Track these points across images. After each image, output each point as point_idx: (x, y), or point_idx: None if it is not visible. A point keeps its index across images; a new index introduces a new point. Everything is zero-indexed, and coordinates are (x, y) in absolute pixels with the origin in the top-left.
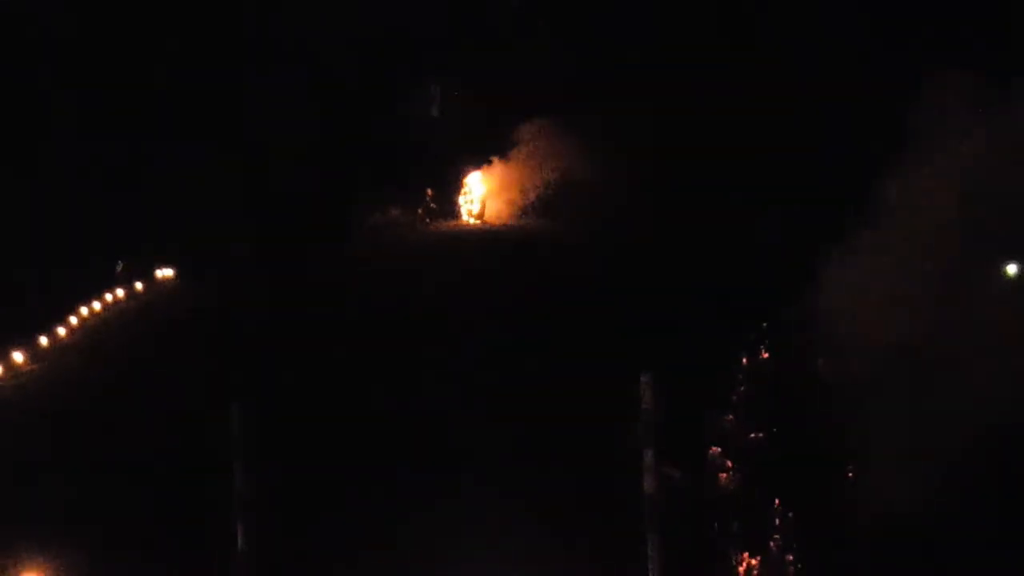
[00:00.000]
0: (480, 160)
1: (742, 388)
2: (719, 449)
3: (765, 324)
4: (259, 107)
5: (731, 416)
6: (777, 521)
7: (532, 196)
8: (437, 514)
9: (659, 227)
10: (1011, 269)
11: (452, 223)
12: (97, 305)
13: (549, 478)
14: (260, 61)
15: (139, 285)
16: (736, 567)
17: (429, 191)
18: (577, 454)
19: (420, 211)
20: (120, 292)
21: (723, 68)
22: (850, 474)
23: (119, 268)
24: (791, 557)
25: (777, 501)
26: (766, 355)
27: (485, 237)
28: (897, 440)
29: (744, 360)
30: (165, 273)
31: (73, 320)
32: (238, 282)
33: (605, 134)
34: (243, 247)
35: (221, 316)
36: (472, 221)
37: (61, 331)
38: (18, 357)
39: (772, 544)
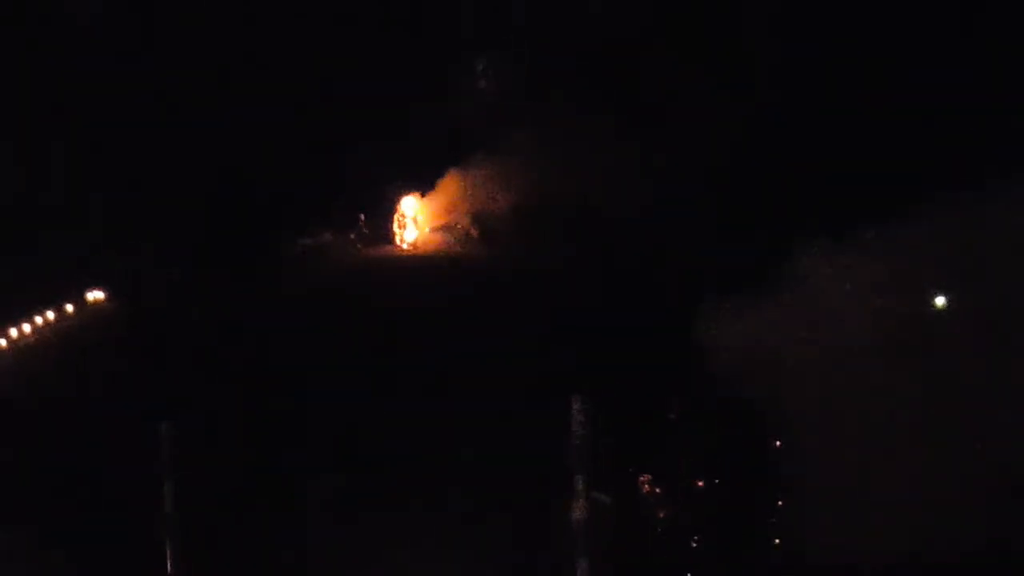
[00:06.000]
0: (412, 185)
1: (673, 416)
2: (648, 476)
3: (698, 349)
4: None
5: (663, 443)
6: (704, 549)
7: (469, 223)
8: (368, 547)
9: (603, 253)
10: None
11: (385, 249)
12: (27, 327)
13: (479, 504)
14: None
15: (69, 307)
16: None
17: (362, 216)
18: (507, 480)
19: (352, 236)
20: (51, 314)
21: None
22: (780, 503)
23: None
24: None
25: (705, 529)
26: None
27: (417, 264)
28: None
29: (677, 387)
30: (96, 295)
31: (2, 342)
32: (169, 303)
33: (548, 158)
34: (175, 267)
35: (152, 338)
36: (405, 247)
37: None
38: None
39: (698, 572)
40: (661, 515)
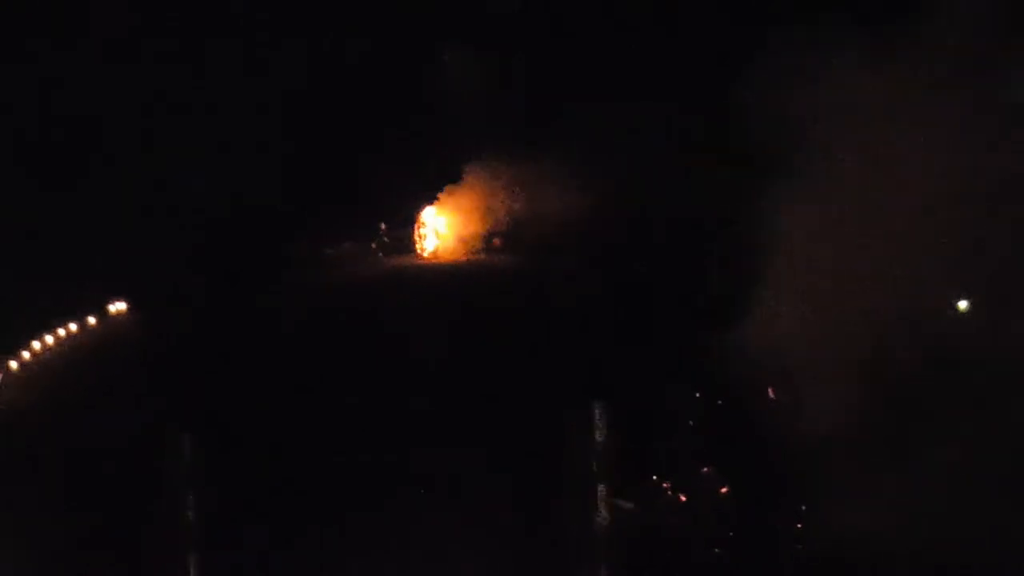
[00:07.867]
0: (433, 194)
1: (691, 421)
2: (668, 483)
3: (713, 353)
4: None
5: (681, 449)
6: (726, 555)
7: (489, 230)
8: (387, 553)
9: (621, 258)
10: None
11: (406, 257)
12: (50, 339)
13: (500, 509)
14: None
15: (91, 319)
16: None
17: (383, 225)
18: (529, 487)
19: (374, 245)
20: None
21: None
22: (803, 507)
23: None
24: None
25: (727, 535)
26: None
27: (438, 271)
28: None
29: (696, 393)
30: (118, 307)
31: (26, 354)
32: (190, 315)
33: (573, 167)
34: (197, 279)
35: (174, 350)
36: (426, 255)
37: (13, 364)
38: None
39: None
40: (683, 521)
